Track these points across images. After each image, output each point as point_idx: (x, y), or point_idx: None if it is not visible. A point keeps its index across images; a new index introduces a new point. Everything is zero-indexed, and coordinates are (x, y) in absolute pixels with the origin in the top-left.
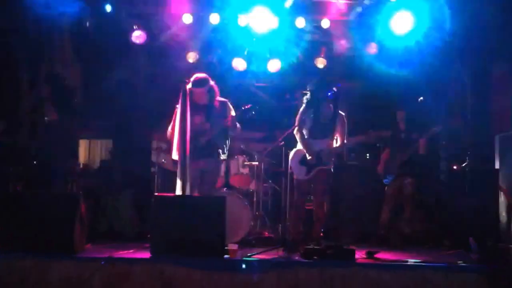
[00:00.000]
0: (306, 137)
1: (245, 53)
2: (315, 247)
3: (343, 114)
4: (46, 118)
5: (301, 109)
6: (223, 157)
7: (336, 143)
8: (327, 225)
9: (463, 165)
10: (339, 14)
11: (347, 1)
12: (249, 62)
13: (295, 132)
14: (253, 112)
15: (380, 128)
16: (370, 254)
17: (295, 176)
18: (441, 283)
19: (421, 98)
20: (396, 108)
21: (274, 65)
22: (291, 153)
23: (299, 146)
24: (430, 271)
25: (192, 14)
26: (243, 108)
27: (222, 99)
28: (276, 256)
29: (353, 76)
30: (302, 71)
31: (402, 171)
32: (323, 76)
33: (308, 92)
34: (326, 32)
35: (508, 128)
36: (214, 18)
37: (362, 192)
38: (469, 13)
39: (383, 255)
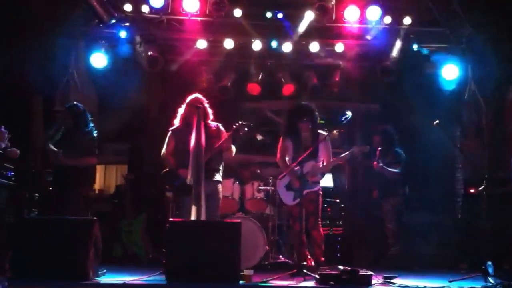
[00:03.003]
0: (289, 163)
1: (260, 77)
2: (331, 272)
3: (324, 133)
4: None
5: (281, 137)
6: (218, 178)
7: (322, 164)
8: (342, 249)
9: (480, 188)
10: (353, 38)
11: (360, 25)
12: (263, 86)
13: (278, 161)
14: (246, 129)
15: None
16: (387, 279)
17: (284, 202)
18: None
19: (437, 121)
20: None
21: (288, 89)
22: (277, 181)
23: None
24: None
25: (206, 39)
26: (236, 125)
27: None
28: (291, 282)
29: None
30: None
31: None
32: (299, 102)
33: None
34: (340, 55)
35: None
36: (228, 43)
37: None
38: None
39: (400, 281)
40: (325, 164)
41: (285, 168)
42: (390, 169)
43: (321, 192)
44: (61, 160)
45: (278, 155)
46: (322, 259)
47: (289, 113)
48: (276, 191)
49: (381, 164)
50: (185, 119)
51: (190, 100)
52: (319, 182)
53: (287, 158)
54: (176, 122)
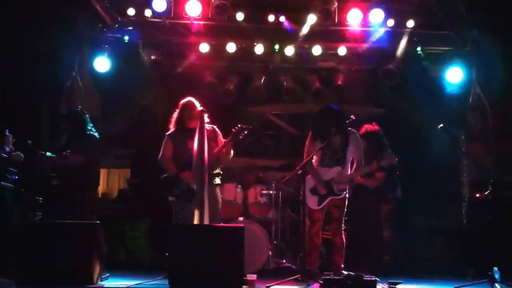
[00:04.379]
0: (315, 165)
1: (262, 81)
2: (335, 277)
3: (356, 133)
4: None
5: (308, 139)
6: (218, 182)
7: (351, 168)
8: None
9: (486, 193)
10: (356, 41)
11: (363, 28)
12: (266, 90)
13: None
14: (246, 133)
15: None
16: (392, 285)
17: (307, 204)
18: None
19: (441, 125)
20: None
21: (292, 93)
22: (305, 181)
23: None
24: None
25: (209, 43)
26: (236, 128)
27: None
28: (295, 287)
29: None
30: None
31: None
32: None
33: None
34: (343, 59)
35: None
36: (231, 47)
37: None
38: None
39: (405, 287)
40: (354, 168)
41: (311, 172)
42: (369, 180)
43: (347, 196)
44: (45, 160)
45: (305, 156)
46: (342, 266)
47: (318, 116)
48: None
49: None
50: (181, 123)
51: (184, 104)
52: (345, 189)
53: (313, 161)
54: (171, 127)
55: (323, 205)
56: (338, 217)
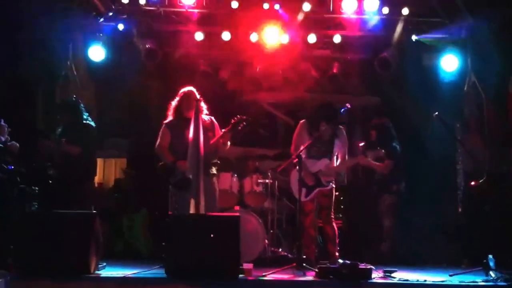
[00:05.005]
0: (303, 157)
1: (257, 69)
2: (331, 266)
3: (342, 129)
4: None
5: (297, 131)
6: (214, 172)
7: (336, 161)
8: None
9: (481, 181)
10: (350, 29)
11: (358, 16)
12: (260, 79)
13: (292, 153)
14: (244, 124)
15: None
16: (387, 273)
17: (296, 197)
18: None
19: (436, 113)
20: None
21: (287, 81)
22: (291, 173)
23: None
24: None
25: (203, 31)
26: (235, 119)
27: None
28: (291, 276)
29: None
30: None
31: None
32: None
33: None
34: (338, 47)
35: None
36: (226, 35)
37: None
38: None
39: (400, 274)
40: (339, 162)
41: (298, 164)
42: (376, 163)
43: (334, 186)
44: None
45: (293, 146)
46: (337, 254)
47: (311, 111)
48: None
49: (367, 158)
50: (179, 112)
51: (184, 93)
52: (332, 181)
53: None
54: (170, 115)
55: (311, 196)
56: (327, 206)
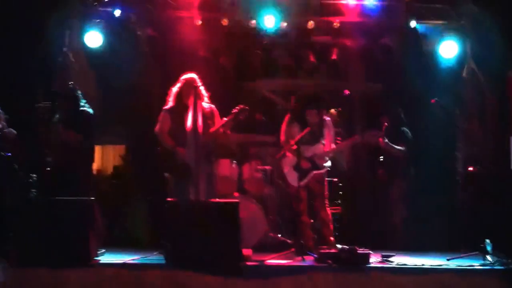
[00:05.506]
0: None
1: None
2: (330, 251)
3: (328, 119)
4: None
5: (286, 120)
6: (213, 159)
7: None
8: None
9: (480, 167)
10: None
11: (358, 2)
12: (261, 65)
13: (282, 142)
14: (246, 113)
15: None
16: (385, 258)
17: (289, 183)
18: (458, 287)
19: (436, 99)
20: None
21: (285, 68)
22: (283, 160)
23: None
24: (447, 275)
25: (203, 17)
26: (237, 108)
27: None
28: (290, 261)
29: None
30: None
31: None
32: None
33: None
34: (337, 33)
35: None
36: (225, 22)
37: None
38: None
39: (398, 259)
40: (332, 145)
41: (292, 151)
42: (396, 146)
43: (327, 172)
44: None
45: (283, 137)
46: (332, 239)
47: (298, 100)
48: (278, 171)
49: (386, 140)
50: (180, 99)
51: (185, 80)
52: (325, 165)
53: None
54: (170, 101)
55: (305, 181)
56: (321, 193)
